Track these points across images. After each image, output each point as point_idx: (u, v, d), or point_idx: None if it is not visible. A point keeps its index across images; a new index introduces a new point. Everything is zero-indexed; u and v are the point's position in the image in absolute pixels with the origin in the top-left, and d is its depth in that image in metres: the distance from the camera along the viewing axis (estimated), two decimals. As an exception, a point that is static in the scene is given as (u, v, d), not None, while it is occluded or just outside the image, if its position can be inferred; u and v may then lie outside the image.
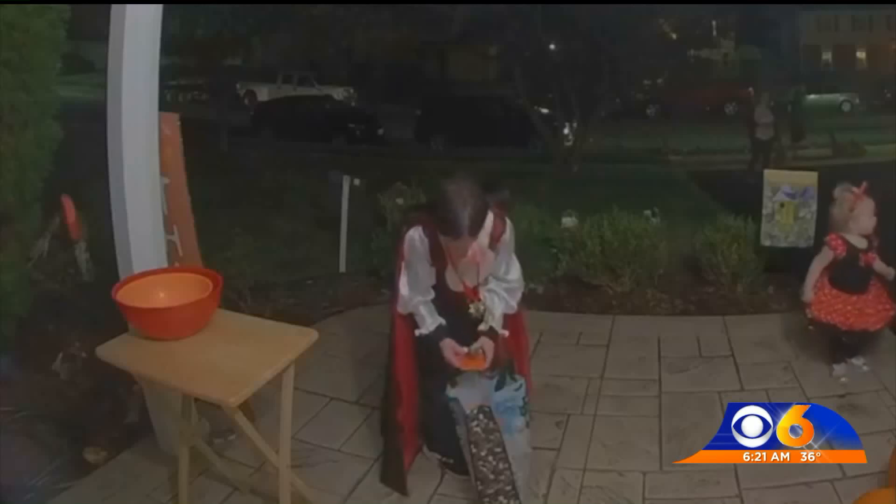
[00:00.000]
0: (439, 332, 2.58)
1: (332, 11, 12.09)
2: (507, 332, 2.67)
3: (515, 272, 2.68)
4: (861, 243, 3.43)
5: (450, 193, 2.39)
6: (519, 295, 2.71)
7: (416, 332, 2.62)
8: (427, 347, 2.63)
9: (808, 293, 3.48)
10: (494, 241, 2.57)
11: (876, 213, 3.42)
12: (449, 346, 2.56)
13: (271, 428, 2.36)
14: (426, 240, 2.55)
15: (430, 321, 2.60)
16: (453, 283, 2.63)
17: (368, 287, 4.78)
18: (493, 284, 2.65)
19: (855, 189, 3.44)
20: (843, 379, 3.38)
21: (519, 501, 2.52)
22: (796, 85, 13.94)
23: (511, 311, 2.68)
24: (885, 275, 3.44)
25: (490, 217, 2.52)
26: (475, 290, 2.63)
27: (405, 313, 2.65)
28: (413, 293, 2.60)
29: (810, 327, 3.56)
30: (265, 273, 4.69)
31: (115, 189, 2.67)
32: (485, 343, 2.56)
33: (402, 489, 2.72)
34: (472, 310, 2.61)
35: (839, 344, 3.46)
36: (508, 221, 2.62)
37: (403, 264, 2.62)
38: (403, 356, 2.72)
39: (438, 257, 2.58)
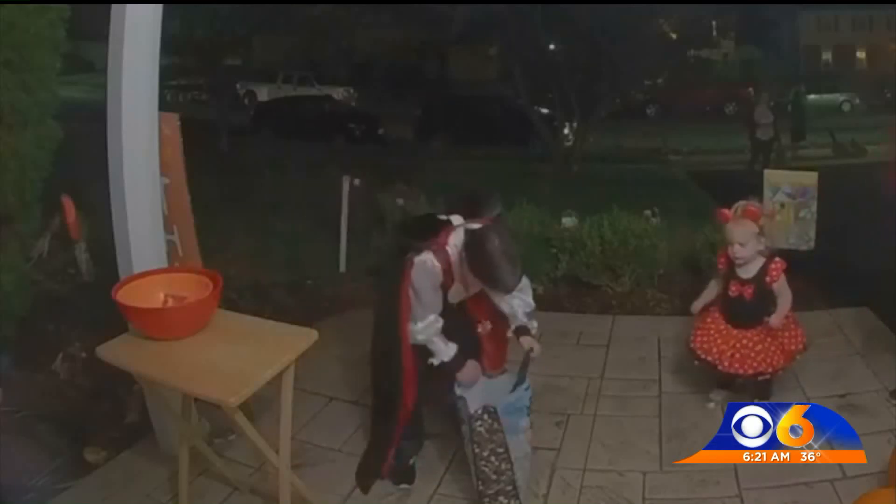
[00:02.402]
0: (458, 359, 2.55)
1: (332, 11, 12.11)
2: (535, 324, 2.73)
3: (528, 293, 2.71)
4: (746, 272, 2.98)
5: (492, 247, 2.35)
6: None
7: (431, 361, 2.57)
8: (441, 371, 2.59)
9: (696, 305, 3.16)
10: None
11: (762, 242, 2.95)
12: (473, 368, 2.58)
13: (271, 428, 2.35)
14: (437, 265, 2.50)
15: (447, 348, 2.56)
16: (453, 297, 2.64)
17: (368, 287, 4.75)
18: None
19: (725, 210, 2.99)
20: (710, 405, 3.15)
21: (519, 501, 2.52)
22: (796, 85, 13.96)
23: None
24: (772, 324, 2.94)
25: None
26: (477, 301, 2.68)
27: (416, 343, 2.58)
28: (426, 323, 2.53)
29: (696, 362, 3.12)
30: (265, 273, 4.69)
31: (115, 189, 2.67)
32: (525, 340, 2.63)
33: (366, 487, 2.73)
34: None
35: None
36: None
37: (412, 292, 2.52)
38: (412, 382, 2.64)
39: (446, 280, 2.55)
